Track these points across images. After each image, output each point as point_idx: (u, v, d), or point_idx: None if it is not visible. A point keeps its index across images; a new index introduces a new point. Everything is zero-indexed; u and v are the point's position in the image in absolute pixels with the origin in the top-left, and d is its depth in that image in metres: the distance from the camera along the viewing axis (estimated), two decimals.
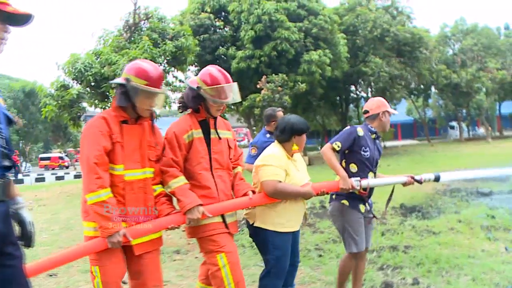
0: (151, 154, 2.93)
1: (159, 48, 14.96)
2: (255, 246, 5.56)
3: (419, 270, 4.59)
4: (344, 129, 3.83)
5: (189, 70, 20.20)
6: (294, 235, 3.44)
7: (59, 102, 13.02)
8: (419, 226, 6.52)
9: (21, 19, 2.03)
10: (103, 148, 2.70)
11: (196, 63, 21.04)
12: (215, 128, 3.17)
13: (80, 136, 3.41)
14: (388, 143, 35.46)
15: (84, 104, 14.05)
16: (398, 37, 25.89)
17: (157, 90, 2.84)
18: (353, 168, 3.69)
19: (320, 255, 5.32)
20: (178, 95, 16.87)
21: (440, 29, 36.41)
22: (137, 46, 14.22)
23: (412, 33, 26.59)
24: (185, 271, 5.00)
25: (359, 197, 3.69)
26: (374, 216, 3.91)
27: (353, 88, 30.90)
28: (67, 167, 42.27)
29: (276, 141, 3.43)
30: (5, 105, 2.15)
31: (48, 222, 8.88)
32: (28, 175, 28.45)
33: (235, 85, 3.18)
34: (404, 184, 3.68)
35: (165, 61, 15.42)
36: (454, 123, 42.45)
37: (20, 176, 28.42)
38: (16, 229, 2.22)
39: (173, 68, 16.29)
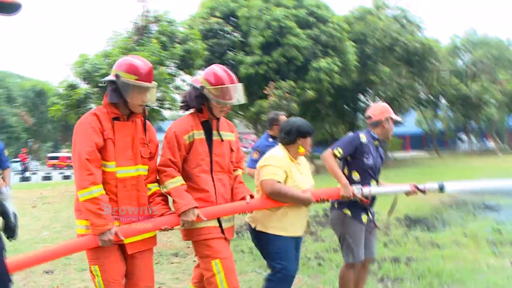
0: (143, 151, 2.87)
1: (167, 51, 15.00)
2: (254, 252, 5.55)
3: (420, 283, 4.47)
4: (347, 135, 3.74)
5: (197, 73, 20.26)
6: (296, 241, 3.34)
7: (67, 101, 13.08)
8: (423, 238, 6.40)
9: (8, 7, 1.99)
10: (95, 144, 2.66)
11: (204, 67, 21.05)
12: (218, 130, 3.09)
13: None
14: (397, 154, 35.21)
15: (92, 105, 14.09)
16: (408, 46, 25.74)
17: (148, 84, 2.80)
18: (355, 175, 3.60)
19: (320, 264, 5.22)
20: None
21: (450, 40, 36.20)
22: (146, 49, 14.26)
23: (422, 43, 26.43)
24: (181, 274, 4.94)
25: (362, 206, 3.59)
26: (376, 226, 3.82)
27: (362, 97, 30.76)
28: None
29: (280, 143, 3.38)
30: None
31: (50, 220, 8.91)
32: (36, 173, 28.61)
33: (240, 86, 3.10)
34: (407, 193, 3.55)
35: (173, 64, 15.45)
36: (463, 136, 42.11)
37: (27, 174, 28.65)
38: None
39: (181, 72, 16.31)
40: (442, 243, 6.08)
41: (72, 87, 13.25)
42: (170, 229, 2.92)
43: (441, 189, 3.50)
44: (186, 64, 15.45)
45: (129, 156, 2.80)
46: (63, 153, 47.01)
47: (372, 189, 3.47)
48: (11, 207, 2.26)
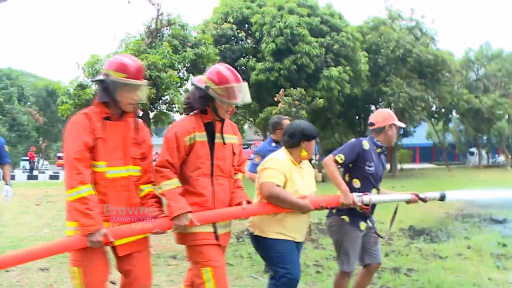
0: (134, 151, 2.82)
1: (179, 54, 15.06)
2: (253, 257, 5.50)
3: None
4: (349, 141, 3.68)
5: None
6: (297, 247, 3.22)
7: (76, 101, 13.14)
8: (425, 250, 6.31)
9: None
10: (83, 143, 2.62)
11: None
12: (222, 132, 2.98)
13: None
14: (406, 166, 34.97)
15: None
16: (421, 58, 25.59)
17: (137, 82, 2.76)
18: (356, 183, 3.54)
19: (318, 272, 5.16)
20: None
21: (464, 53, 35.96)
22: (157, 51, 14.34)
23: (435, 55, 26.27)
24: (177, 276, 4.88)
25: (360, 214, 3.53)
26: (378, 236, 3.77)
27: (373, 107, 30.62)
28: None
29: (283, 146, 3.29)
30: None
31: (52, 218, 8.92)
32: (44, 172, 28.81)
33: (245, 85, 2.98)
34: (408, 202, 3.49)
35: (184, 68, 15.51)
36: (474, 149, 41.67)
37: (35, 172, 28.88)
38: None
39: (191, 76, 16.36)
40: (445, 255, 5.99)
41: (82, 87, 13.32)
42: (162, 233, 2.85)
43: (442, 198, 3.44)
44: (197, 68, 15.46)
45: (120, 156, 2.76)
46: None
47: (372, 197, 3.39)
48: None
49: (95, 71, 13.03)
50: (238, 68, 21.45)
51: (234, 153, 3.07)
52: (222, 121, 3.00)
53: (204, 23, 22.66)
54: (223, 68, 2.96)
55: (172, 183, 2.82)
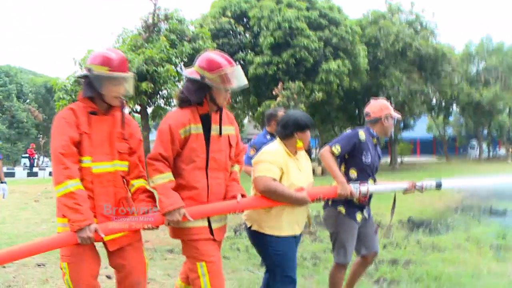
0: (121, 146, 2.76)
1: (176, 49, 15.01)
2: (250, 251, 5.45)
3: (417, 287, 4.33)
4: (345, 132, 3.62)
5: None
6: (295, 241, 3.11)
7: (73, 96, 13.14)
8: (424, 242, 6.25)
9: None
10: (69, 138, 2.57)
11: None
12: (220, 123, 2.87)
13: None
14: (406, 159, 34.93)
15: None
16: (421, 52, 25.49)
17: (121, 74, 2.69)
18: (353, 174, 3.48)
19: (315, 264, 5.10)
20: None
21: (465, 47, 35.80)
22: (154, 46, 14.30)
23: (435, 49, 26.16)
24: (173, 270, 4.83)
25: (357, 205, 3.49)
26: (379, 226, 3.71)
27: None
28: None
29: (277, 138, 3.16)
30: None
31: (50, 214, 8.88)
32: (44, 169, 28.79)
33: (239, 68, 2.87)
34: (405, 191, 3.43)
35: (182, 62, 15.46)
36: (474, 143, 41.60)
37: (35, 169, 28.86)
38: None
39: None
40: (444, 247, 5.93)
41: (79, 82, 13.29)
42: (155, 228, 2.77)
43: (439, 186, 3.40)
44: (195, 62, 15.47)
45: (106, 151, 2.70)
46: None
47: (370, 187, 3.33)
48: None
49: None
50: (236, 62, 21.40)
51: (230, 145, 2.97)
52: (220, 111, 2.90)
53: (202, 17, 22.61)
54: (214, 55, 2.85)
55: (165, 177, 2.73)
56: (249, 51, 21.62)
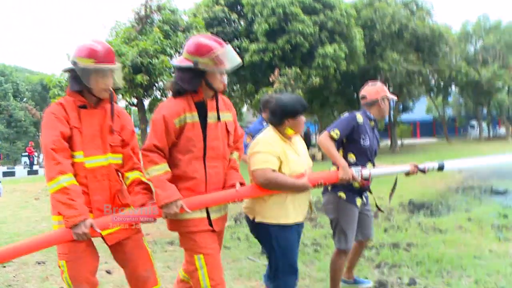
0: (113, 139, 2.70)
1: (170, 40, 14.87)
2: (250, 239, 5.41)
3: (418, 270, 4.29)
4: (343, 115, 3.56)
5: None
6: (298, 229, 3.02)
7: None
8: (425, 224, 6.21)
9: None
10: (60, 133, 2.51)
11: None
12: (217, 110, 2.77)
13: None
14: (406, 141, 34.90)
15: None
16: (417, 32, 25.34)
17: (107, 66, 2.61)
18: (351, 158, 3.43)
19: (316, 250, 5.07)
20: None
21: (462, 26, 35.50)
22: (148, 38, 14.16)
23: (432, 29, 25.97)
24: (173, 262, 4.82)
25: (356, 190, 3.45)
26: (380, 210, 3.71)
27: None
28: None
29: (270, 125, 3.01)
30: None
31: (50, 212, 8.86)
32: (43, 167, 28.87)
33: (230, 48, 2.73)
34: (407, 174, 3.35)
35: (177, 53, 15.31)
36: (474, 122, 41.51)
37: (35, 167, 28.88)
38: None
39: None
40: (445, 228, 5.90)
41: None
42: (152, 221, 2.70)
43: (441, 168, 3.34)
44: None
45: (98, 145, 2.64)
46: None
47: (372, 170, 3.26)
48: None
49: None
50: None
51: (228, 132, 2.85)
52: (216, 97, 2.80)
53: (195, 6, 22.40)
54: (202, 38, 2.74)
55: (160, 168, 2.64)
56: (244, 38, 21.44)
